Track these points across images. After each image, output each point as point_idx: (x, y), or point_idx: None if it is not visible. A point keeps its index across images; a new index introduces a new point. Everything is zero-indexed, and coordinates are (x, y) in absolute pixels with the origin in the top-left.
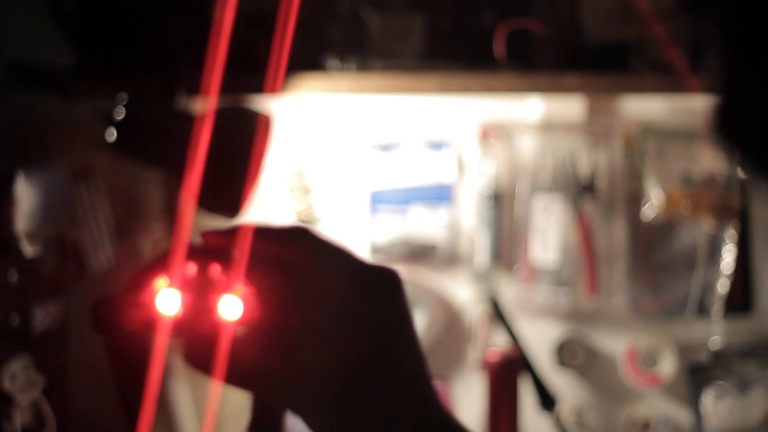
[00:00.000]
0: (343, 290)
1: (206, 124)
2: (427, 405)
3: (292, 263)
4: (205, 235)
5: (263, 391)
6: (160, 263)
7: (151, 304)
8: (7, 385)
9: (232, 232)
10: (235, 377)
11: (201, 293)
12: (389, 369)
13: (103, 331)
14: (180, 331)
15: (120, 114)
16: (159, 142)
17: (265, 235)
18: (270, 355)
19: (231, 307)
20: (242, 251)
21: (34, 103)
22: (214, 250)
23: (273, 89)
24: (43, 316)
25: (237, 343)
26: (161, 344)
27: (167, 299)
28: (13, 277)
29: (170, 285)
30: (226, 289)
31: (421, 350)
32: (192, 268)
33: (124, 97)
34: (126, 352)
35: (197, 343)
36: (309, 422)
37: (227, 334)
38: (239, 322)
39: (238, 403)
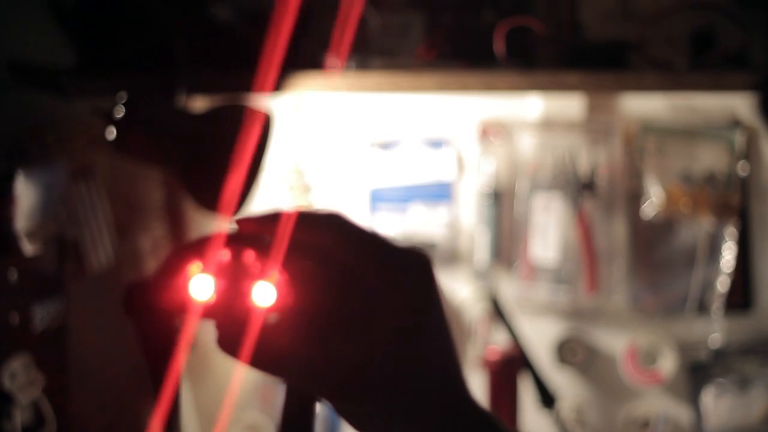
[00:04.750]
0: (375, 276)
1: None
2: (457, 391)
3: (325, 249)
4: (240, 221)
5: (294, 377)
6: (195, 249)
7: (184, 289)
8: (7, 383)
9: (267, 219)
10: (267, 363)
11: (234, 279)
12: (420, 354)
13: (134, 315)
14: (213, 316)
15: (120, 113)
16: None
17: (299, 221)
18: (302, 341)
19: (264, 294)
20: (276, 238)
21: (33, 102)
22: (248, 236)
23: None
24: (42, 315)
25: (270, 330)
26: (189, 330)
27: (200, 285)
28: (13, 275)
29: (204, 270)
30: (260, 275)
31: (452, 335)
32: (226, 254)
33: (123, 95)
34: (157, 337)
35: (230, 329)
36: (339, 408)
37: (260, 320)
38: (272, 309)
39: (239, 402)
